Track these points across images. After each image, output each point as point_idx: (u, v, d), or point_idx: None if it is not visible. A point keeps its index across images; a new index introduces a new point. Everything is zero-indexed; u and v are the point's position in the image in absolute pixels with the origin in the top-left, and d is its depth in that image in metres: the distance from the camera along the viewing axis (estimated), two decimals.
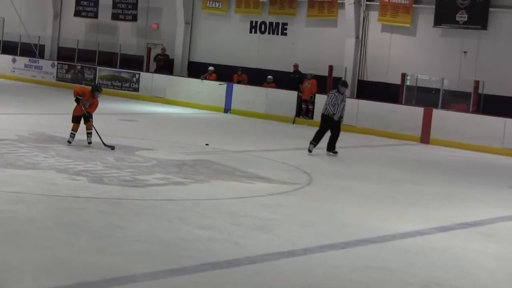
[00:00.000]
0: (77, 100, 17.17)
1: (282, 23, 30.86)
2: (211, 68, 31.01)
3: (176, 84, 31.52)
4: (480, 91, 25.17)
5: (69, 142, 17.07)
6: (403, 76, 26.68)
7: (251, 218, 11.39)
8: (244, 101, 28.85)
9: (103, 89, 18.67)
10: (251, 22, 31.79)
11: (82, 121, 17.29)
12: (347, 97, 21.10)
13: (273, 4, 30.79)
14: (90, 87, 17.73)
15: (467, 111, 24.93)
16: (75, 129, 17.17)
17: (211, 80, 30.45)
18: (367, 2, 28.38)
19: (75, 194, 12.03)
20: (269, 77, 29.27)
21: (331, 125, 19.67)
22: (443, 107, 25.45)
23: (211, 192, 13.37)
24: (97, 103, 17.48)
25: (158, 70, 32.76)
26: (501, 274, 9.64)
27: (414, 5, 27.35)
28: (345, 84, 20.21)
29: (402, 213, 12.83)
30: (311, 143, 19.56)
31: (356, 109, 25.97)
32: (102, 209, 11.24)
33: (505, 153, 22.91)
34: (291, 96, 27.78)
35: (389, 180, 16.50)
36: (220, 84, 29.58)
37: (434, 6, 26.73)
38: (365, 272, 9.16)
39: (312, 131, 24.14)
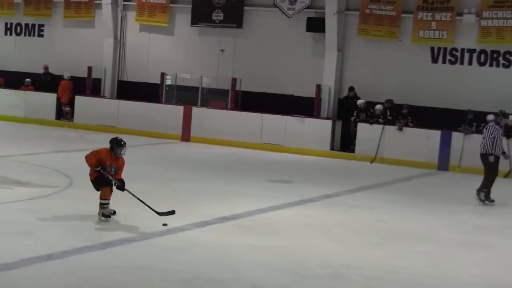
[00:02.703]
0: (100, 177, 11.86)
1: (39, 25, 30.14)
2: None
3: None
4: (237, 88, 25.80)
5: (107, 216, 11.82)
6: (162, 75, 26.86)
7: (9, 224, 11.08)
8: (1, 105, 27.90)
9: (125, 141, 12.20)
10: (6, 23, 30.77)
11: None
12: None
13: (28, 5, 29.99)
14: (107, 147, 12.06)
15: (225, 108, 25.50)
16: (106, 196, 11.85)
17: None
18: (125, 2, 28.31)
19: None
20: (27, 80, 28.54)
21: (488, 166, 16.29)
22: (202, 105, 25.90)
23: None
24: (123, 163, 12.14)
25: None
26: (259, 264, 9.93)
27: (171, 5, 27.58)
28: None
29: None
30: (482, 191, 16.25)
31: (117, 109, 25.97)
32: None
33: (263, 148, 23.64)
34: (49, 99, 27.24)
35: (152, 178, 16.55)
36: None
37: (190, 6, 27.12)
38: (127, 271, 9.16)
39: (72, 134, 23.85)
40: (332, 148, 23.72)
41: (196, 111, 25.22)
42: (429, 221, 13.96)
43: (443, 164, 22.04)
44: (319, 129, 23.75)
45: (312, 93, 24.73)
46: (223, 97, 26.05)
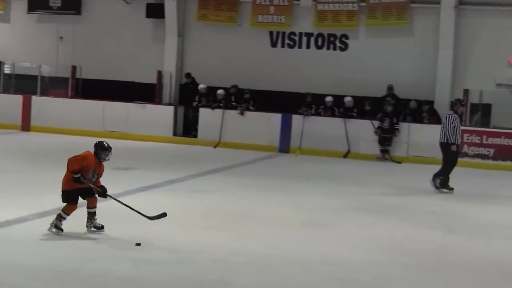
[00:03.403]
0: (77, 180, 10.67)
1: None
2: None
3: None
4: (78, 75, 25.48)
5: (60, 230, 10.67)
6: (0, 64, 26.21)
7: None
8: None
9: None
10: None
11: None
12: None
13: None
14: (91, 151, 10.98)
15: (66, 96, 25.14)
16: (69, 210, 10.79)
17: None
18: None
19: None
20: None
21: (448, 154, 16.16)
22: (42, 94, 25.42)
23: None
24: (103, 170, 11.23)
25: None
26: (98, 253, 9.88)
27: None
28: (462, 103, 17.03)
29: (10, 202, 12.58)
30: (438, 178, 16.18)
31: None
32: None
33: (106, 135, 23.23)
34: None
35: None
36: None
37: None
38: None
39: None
40: (174, 134, 23.78)
41: (36, 100, 24.76)
42: (271, 203, 14.18)
43: (284, 146, 22.46)
44: (161, 115, 23.75)
45: (153, 79, 24.68)
46: (63, 85, 25.65)
